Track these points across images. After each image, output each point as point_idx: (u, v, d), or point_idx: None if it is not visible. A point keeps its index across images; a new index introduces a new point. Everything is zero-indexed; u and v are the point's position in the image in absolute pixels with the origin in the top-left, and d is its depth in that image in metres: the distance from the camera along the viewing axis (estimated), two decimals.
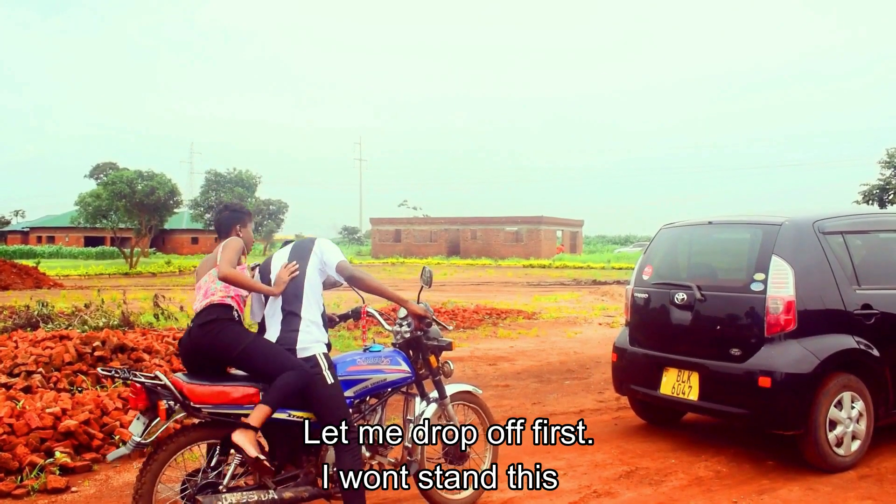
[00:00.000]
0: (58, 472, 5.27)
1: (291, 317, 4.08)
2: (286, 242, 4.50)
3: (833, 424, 5.37)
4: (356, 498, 3.95)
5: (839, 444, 5.40)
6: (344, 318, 4.94)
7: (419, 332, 4.59)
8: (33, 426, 5.61)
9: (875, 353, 5.53)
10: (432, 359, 4.64)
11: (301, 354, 3.99)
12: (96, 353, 7.69)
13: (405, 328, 4.60)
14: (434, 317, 4.61)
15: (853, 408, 5.47)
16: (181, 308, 13.51)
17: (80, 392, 6.90)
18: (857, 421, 5.49)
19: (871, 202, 34.83)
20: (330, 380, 3.99)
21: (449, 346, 4.70)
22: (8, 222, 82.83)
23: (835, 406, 5.37)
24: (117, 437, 5.86)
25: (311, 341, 4.04)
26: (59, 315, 11.84)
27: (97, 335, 8.12)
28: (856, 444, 5.50)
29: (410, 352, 4.62)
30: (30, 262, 31.05)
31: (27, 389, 6.59)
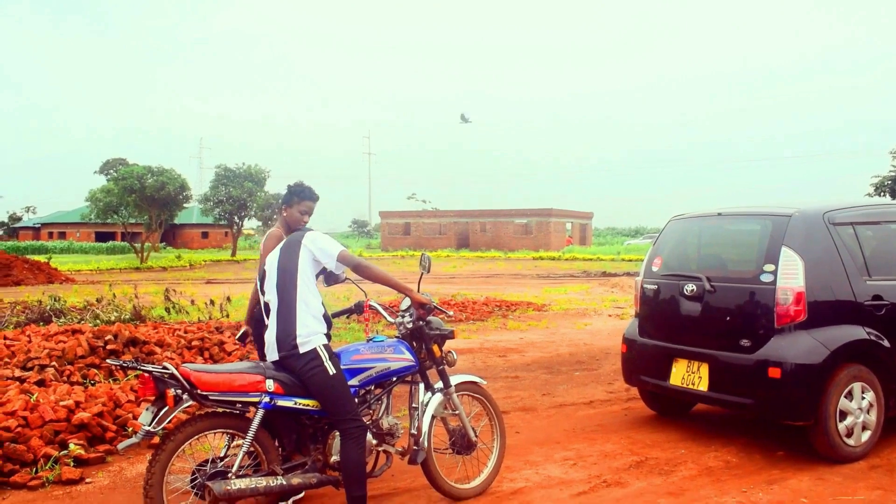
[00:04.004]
0: (72, 464, 5.32)
1: (288, 311, 4.09)
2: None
3: (843, 415, 5.36)
4: (358, 486, 3.99)
5: (849, 434, 5.39)
6: (347, 312, 4.97)
7: (421, 322, 4.62)
8: (47, 419, 5.66)
9: (885, 343, 5.51)
10: (435, 348, 4.67)
11: (302, 349, 4.01)
12: (108, 347, 7.75)
13: (408, 319, 4.64)
14: (436, 304, 4.64)
15: (863, 398, 5.46)
16: (192, 302, 13.58)
17: (92, 385, 6.96)
18: (868, 411, 5.48)
19: (882, 193, 34.68)
20: (331, 371, 4.02)
21: (451, 335, 4.74)
22: (20, 218, 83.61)
23: (845, 397, 5.36)
24: (130, 429, 5.91)
25: (309, 334, 4.06)
26: (72, 309, 11.94)
27: (109, 329, 8.18)
28: (866, 435, 5.49)
29: (414, 342, 4.65)
30: (41, 258, 31.23)
31: (41, 383, 6.65)
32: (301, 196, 5.01)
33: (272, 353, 4.11)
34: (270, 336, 4.13)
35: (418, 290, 4.73)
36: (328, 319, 4.45)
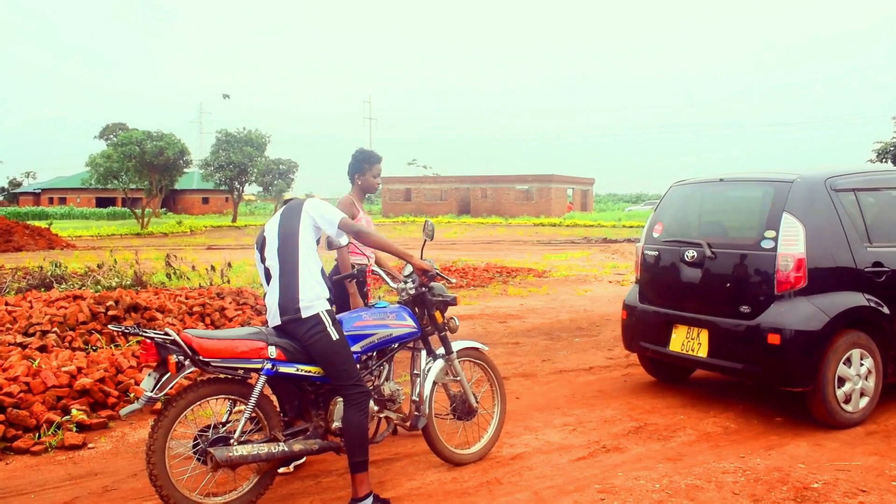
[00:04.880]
0: (75, 429, 5.36)
1: (290, 276, 4.07)
2: (285, 202, 4.50)
3: (841, 381, 5.38)
4: (360, 452, 4.01)
5: (847, 400, 5.42)
6: (349, 277, 4.97)
7: (424, 288, 4.62)
8: (49, 384, 5.69)
9: (885, 310, 5.52)
10: (437, 314, 4.68)
11: (305, 313, 4.01)
12: (110, 313, 7.77)
13: (410, 285, 4.64)
14: (438, 270, 4.63)
15: (862, 365, 5.47)
16: (193, 268, 13.59)
17: (94, 351, 6.99)
18: (866, 378, 5.50)
19: (884, 160, 34.49)
20: (334, 336, 4.02)
21: (454, 301, 4.74)
22: (20, 184, 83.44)
23: (843, 363, 5.38)
24: (132, 395, 5.95)
25: (312, 298, 4.04)
26: (73, 275, 11.95)
27: (110, 295, 8.20)
28: (864, 401, 5.51)
29: (416, 308, 4.66)
30: (42, 224, 31.23)
31: (42, 349, 6.68)
32: (371, 161, 5.32)
33: (274, 319, 4.10)
34: (272, 301, 4.12)
35: (421, 257, 4.73)
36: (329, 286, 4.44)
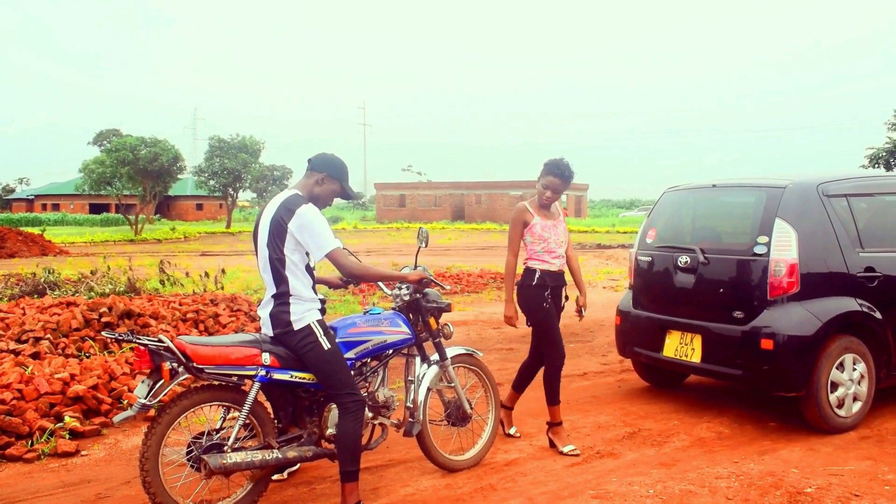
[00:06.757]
0: (68, 437, 5.34)
1: (281, 295, 4.01)
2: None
3: (834, 386, 5.40)
4: (351, 462, 3.99)
5: (840, 405, 5.44)
6: (345, 284, 4.97)
7: (418, 295, 4.62)
8: (42, 391, 5.67)
9: (877, 315, 5.54)
10: (432, 321, 4.68)
11: (296, 326, 3.99)
12: (103, 319, 7.75)
13: (405, 291, 4.64)
14: (432, 277, 4.63)
15: (855, 370, 5.50)
16: (187, 274, 13.56)
17: (87, 358, 6.96)
18: (859, 383, 5.52)
19: (877, 165, 34.60)
20: (326, 346, 3.99)
21: (448, 308, 4.74)
22: (13, 190, 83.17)
23: (836, 368, 5.40)
24: (125, 402, 5.93)
25: (303, 311, 4.00)
26: (66, 282, 11.91)
27: (104, 301, 8.17)
28: (857, 406, 5.53)
29: (410, 314, 4.66)
30: (35, 230, 31.13)
31: (35, 355, 6.65)
32: (543, 170, 5.22)
33: (267, 330, 4.10)
34: (265, 313, 4.11)
35: (416, 264, 4.74)
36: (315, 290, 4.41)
